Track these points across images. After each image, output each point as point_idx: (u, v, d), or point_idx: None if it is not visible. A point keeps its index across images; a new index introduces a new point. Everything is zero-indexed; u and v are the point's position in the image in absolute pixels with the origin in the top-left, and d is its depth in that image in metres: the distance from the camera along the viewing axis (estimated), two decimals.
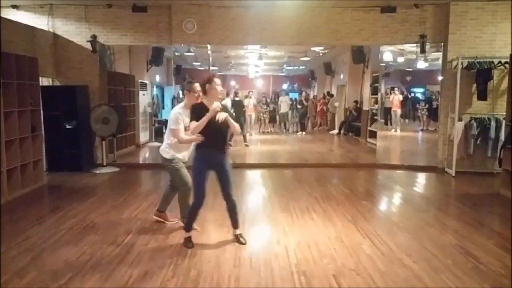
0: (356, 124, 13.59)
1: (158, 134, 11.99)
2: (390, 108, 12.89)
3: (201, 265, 3.64)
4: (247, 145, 11.39)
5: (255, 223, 4.86)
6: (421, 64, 12.27)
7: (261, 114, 15.72)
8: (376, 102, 11.49)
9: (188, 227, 4.16)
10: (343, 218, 4.98)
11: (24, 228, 4.57)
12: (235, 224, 4.24)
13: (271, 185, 7.01)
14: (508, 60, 6.72)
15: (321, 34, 8.20)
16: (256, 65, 17.66)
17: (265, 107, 15.72)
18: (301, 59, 15.52)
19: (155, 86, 13.48)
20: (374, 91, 11.54)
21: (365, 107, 12.73)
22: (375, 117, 11.19)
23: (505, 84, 7.25)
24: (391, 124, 13.02)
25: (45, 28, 7.88)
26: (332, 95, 16.19)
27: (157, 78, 13.67)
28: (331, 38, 8.27)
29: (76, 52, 8.08)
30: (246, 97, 14.43)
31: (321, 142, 12.98)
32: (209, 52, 8.85)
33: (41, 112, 7.00)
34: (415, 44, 8.07)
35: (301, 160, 9.47)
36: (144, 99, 11.84)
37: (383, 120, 12.20)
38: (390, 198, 6.54)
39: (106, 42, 8.24)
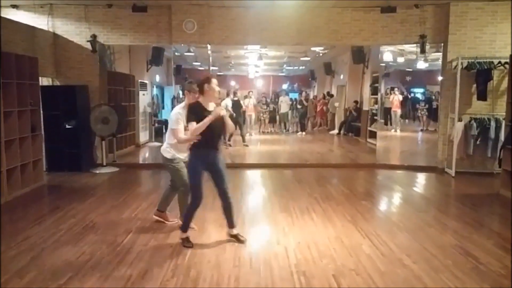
0: (356, 124, 13.59)
1: (158, 134, 12.00)
2: (390, 108, 12.90)
3: (200, 265, 3.64)
4: (246, 145, 11.39)
5: (255, 223, 4.86)
6: (421, 64, 12.29)
7: (261, 114, 15.72)
8: (376, 102, 11.49)
9: (185, 228, 4.13)
10: (343, 218, 4.98)
11: (24, 228, 4.57)
12: (232, 223, 4.23)
13: (271, 185, 7.01)
14: (508, 60, 6.72)
15: (321, 34, 8.20)
16: (256, 65, 17.66)
17: (265, 107, 15.72)
18: (301, 59, 15.52)
19: (155, 86, 13.48)
20: (374, 91, 11.54)
21: (365, 107, 12.72)
22: (375, 117, 11.19)
23: (505, 84, 7.25)
24: (391, 124, 13.03)
25: (45, 28, 7.88)
26: (332, 95, 16.20)
27: (157, 78, 13.67)
28: (331, 38, 8.28)
29: (76, 52, 8.07)
30: (246, 97, 14.44)
31: (321, 142, 12.98)
32: (209, 52, 8.85)
33: (41, 112, 7.00)
34: (415, 44, 8.06)
35: (301, 160, 9.47)
36: (144, 99, 11.84)
37: (383, 120, 12.21)
38: (390, 198, 6.54)
39: (106, 42, 8.24)
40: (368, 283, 3.31)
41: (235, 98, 12.18)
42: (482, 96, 7.41)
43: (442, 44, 7.99)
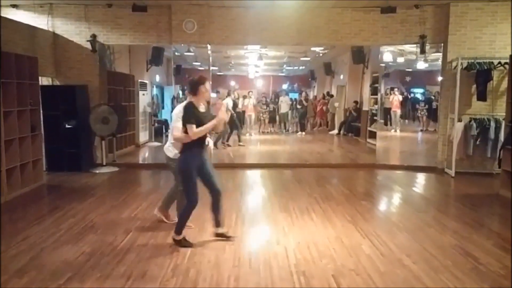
0: (356, 125, 13.59)
1: (157, 134, 11.98)
2: (390, 109, 12.91)
3: (200, 265, 3.64)
4: (241, 145, 11.39)
5: (255, 223, 4.86)
6: (421, 65, 12.30)
7: (261, 114, 15.71)
8: (376, 103, 11.48)
9: (179, 230, 4.04)
10: (343, 219, 4.98)
11: (24, 228, 4.56)
12: (220, 222, 4.21)
13: (271, 185, 7.01)
14: (507, 60, 6.73)
15: (321, 35, 8.21)
16: (256, 65, 17.66)
17: (265, 107, 15.71)
18: (301, 59, 15.53)
19: (155, 86, 13.48)
20: (374, 91, 11.53)
21: (365, 107, 12.73)
22: (375, 118, 11.19)
23: (504, 84, 7.25)
24: (390, 125, 13.03)
25: (44, 27, 7.88)
26: (332, 96, 16.20)
27: (157, 78, 13.67)
28: (331, 39, 8.28)
29: (75, 52, 8.07)
30: (245, 97, 14.44)
31: (321, 143, 12.98)
32: (209, 52, 8.85)
33: (41, 111, 6.99)
34: (415, 45, 8.08)
35: (301, 160, 9.47)
36: (144, 99, 11.82)
37: (382, 121, 12.20)
38: (389, 198, 6.54)
39: (106, 41, 8.24)
40: (367, 283, 3.31)
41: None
42: (482, 97, 7.41)
43: (442, 45, 8.00)
